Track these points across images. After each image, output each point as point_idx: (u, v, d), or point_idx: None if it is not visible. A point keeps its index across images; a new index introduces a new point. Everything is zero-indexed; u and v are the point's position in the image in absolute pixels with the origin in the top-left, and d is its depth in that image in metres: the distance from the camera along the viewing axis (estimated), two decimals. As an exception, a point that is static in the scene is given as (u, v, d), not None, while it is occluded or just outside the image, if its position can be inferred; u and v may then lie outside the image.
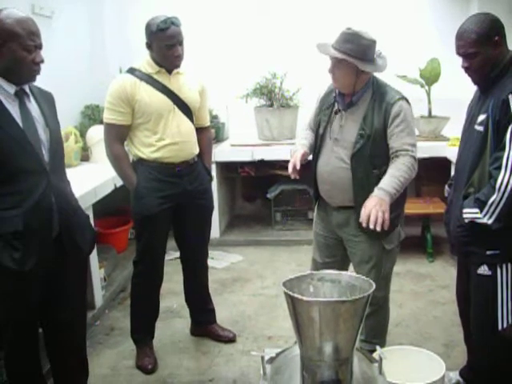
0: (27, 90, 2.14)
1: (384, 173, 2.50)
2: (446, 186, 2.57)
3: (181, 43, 2.80)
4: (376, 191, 2.44)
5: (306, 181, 3.89)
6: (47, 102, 2.24)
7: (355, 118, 2.54)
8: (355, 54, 2.42)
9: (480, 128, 2.17)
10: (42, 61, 2.10)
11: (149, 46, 2.82)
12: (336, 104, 2.61)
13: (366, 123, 2.50)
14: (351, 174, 2.55)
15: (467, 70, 2.21)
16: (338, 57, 2.43)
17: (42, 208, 2.09)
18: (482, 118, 2.17)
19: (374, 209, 2.34)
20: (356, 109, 2.55)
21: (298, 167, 2.57)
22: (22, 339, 2.23)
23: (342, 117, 2.58)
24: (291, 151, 2.76)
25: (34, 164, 2.08)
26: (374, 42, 2.48)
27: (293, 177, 2.60)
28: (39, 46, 2.08)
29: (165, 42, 2.74)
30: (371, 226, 2.34)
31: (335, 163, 2.59)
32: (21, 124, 2.05)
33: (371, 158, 2.53)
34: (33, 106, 2.15)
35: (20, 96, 2.09)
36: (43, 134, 2.14)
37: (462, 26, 2.19)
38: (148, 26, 2.78)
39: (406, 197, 2.70)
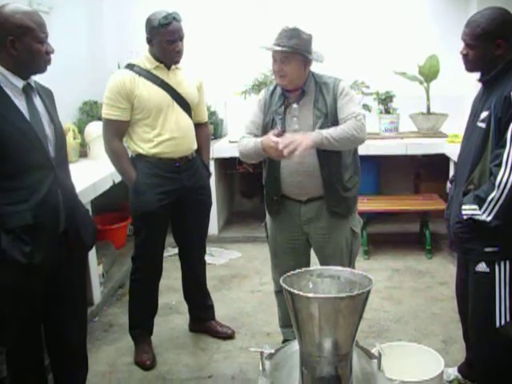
0: (33, 85, 2.14)
1: (346, 152, 2.63)
2: (448, 182, 2.57)
3: (181, 39, 2.81)
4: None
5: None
6: (48, 97, 2.24)
7: (308, 106, 2.63)
8: (302, 48, 2.53)
9: (482, 125, 2.17)
10: (53, 50, 2.11)
11: (149, 41, 2.82)
12: (285, 101, 2.66)
13: (319, 105, 2.61)
14: (316, 156, 2.59)
15: (464, 57, 2.25)
16: (289, 51, 2.51)
17: (49, 203, 2.09)
18: (484, 114, 2.17)
19: (296, 139, 2.42)
20: (306, 98, 2.64)
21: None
22: (26, 333, 2.23)
23: (295, 110, 2.63)
24: (253, 146, 2.57)
25: (41, 159, 2.07)
26: (311, 37, 2.59)
27: (285, 152, 2.45)
28: (47, 37, 2.09)
29: (166, 38, 2.74)
30: (284, 150, 2.40)
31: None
32: (28, 119, 2.05)
33: None
34: (38, 101, 2.15)
35: (27, 91, 2.09)
36: (48, 129, 2.13)
37: (475, 14, 2.21)
38: (149, 21, 2.77)
39: (359, 177, 2.75)
